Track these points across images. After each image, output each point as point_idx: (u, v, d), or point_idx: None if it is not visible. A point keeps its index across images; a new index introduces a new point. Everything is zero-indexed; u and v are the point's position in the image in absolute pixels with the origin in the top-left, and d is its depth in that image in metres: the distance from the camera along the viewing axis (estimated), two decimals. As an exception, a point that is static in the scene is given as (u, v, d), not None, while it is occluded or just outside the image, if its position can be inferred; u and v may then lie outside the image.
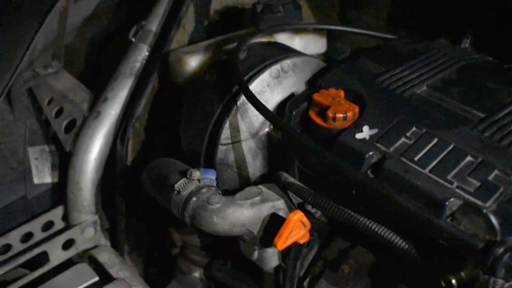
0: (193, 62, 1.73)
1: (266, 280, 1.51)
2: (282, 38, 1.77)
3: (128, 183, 1.78)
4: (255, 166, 1.53)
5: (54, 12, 1.91)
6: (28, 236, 1.75)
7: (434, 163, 1.18)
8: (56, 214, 1.79)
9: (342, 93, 1.37)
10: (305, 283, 1.41)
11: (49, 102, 1.88)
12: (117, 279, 1.58)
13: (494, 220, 1.06)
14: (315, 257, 1.42)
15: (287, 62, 1.54)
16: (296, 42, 1.80)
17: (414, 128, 1.26)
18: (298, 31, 1.79)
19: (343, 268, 1.34)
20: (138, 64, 1.81)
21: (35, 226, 1.76)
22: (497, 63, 1.58)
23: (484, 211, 1.07)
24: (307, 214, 1.35)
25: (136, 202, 1.82)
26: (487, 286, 1.02)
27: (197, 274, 1.79)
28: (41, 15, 1.90)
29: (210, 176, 1.43)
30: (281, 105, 1.49)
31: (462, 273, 1.03)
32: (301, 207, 1.40)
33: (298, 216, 1.28)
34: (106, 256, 1.70)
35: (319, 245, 1.42)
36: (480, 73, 1.47)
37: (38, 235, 1.76)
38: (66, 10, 1.96)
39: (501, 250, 0.96)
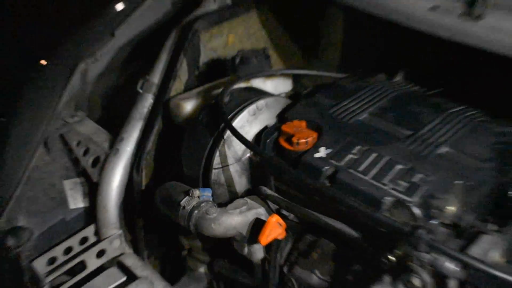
0: (188, 106, 1.77)
1: (255, 270, 1.53)
2: (257, 82, 1.80)
3: (144, 203, 1.80)
4: (241, 183, 1.58)
5: (77, 72, 1.98)
6: (68, 249, 1.76)
7: (374, 171, 1.27)
8: (89, 231, 1.81)
9: (304, 123, 1.44)
10: (285, 269, 1.45)
11: (78, 144, 1.90)
12: (141, 277, 1.61)
13: (416, 210, 1.17)
14: (291, 249, 1.47)
15: (261, 102, 1.60)
16: (268, 84, 1.82)
17: (358, 147, 1.34)
18: (268, 76, 1.83)
19: (313, 256, 1.40)
20: (145, 110, 1.84)
21: (74, 242, 1.78)
22: (421, 91, 1.65)
23: (410, 204, 1.18)
24: (283, 217, 1.42)
25: (151, 217, 1.82)
26: (412, 262, 1.10)
27: (202, 269, 1.79)
28: (66, 75, 1.96)
29: (207, 194, 1.47)
30: (258, 135, 1.55)
31: (398, 252, 1.11)
32: (278, 212, 1.46)
33: (275, 218, 1.34)
34: (131, 261, 1.71)
35: (294, 240, 1.47)
36: (407, 100, 1.55)
37: (77, 248, 1.77)
38: (87, 70, 2.02)
39: (422, 231, 1.06)
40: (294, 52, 2.29)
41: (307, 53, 2.30)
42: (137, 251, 1.87)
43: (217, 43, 2.05)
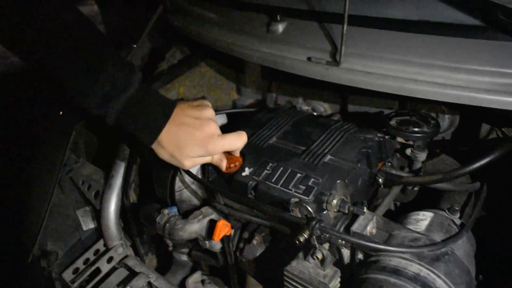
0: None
1: (218, 256, 1.58)
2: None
3: (134, 220, 1.82)
4: (198, 198, 1.60)
5: (75, 131, 2.03)
6: (87, 260, 1.79)
7: (282, 181, 1.31)
8: (100, 244, 1.84)
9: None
10: (237, 254, 1.52)
11: (82, 183, 1.92)
12: (140, 273, 1.67)
13: (311, 206, 1.22)
14: (238, 238, 1.54)
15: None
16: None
17: (270, 164, 1.38)
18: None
19: (254, 241, 1.47)
20: (126, 152, 1.83)
21: (89, 254, 1.81)
22: (314, 115, 1.69)
23: (306, 202, 1.23)
24: (229, 219, 1.47)
25: (142, 229, 1.87)
26: (313, 241, 1.18)
27: (185, 258, 1.81)
28: (68, 133, 2.02)
29: (174, 210, 1.53)
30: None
31: (304, 235, 1.17)
32: (225, 217, 1.49)
33: (221, 222, 1.40)
34: (132, 261, 1.75)
35: (239, 232, 1.54)
36: (302, 123, 1.57)
37: (92, 258, 1.81)
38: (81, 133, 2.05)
39: (314, 222, 1.14)
40: (228, 91, 2.31)
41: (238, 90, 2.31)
42: (137, 254, 1.89)
43: (171, 94, 2.07)
